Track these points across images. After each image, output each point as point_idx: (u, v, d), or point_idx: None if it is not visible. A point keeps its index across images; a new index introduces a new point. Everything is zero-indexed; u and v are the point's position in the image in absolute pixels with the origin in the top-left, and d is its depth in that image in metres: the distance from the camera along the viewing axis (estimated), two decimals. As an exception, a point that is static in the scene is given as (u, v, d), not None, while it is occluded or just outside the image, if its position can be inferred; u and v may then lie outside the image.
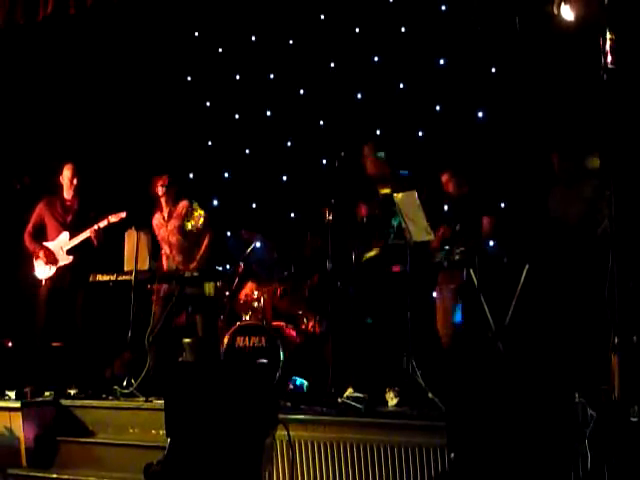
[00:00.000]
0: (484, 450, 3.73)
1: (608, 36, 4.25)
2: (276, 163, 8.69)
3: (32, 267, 6.86)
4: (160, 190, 6.76)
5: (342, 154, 6.28)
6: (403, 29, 8.12)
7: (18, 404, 5.96)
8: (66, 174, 6.92)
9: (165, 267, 6.86)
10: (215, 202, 8.82)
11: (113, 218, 6.74)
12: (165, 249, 6.89)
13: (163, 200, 6.84)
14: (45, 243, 6.83)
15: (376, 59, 8.31)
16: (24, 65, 8.31)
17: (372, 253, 6.30)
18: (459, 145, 7.35)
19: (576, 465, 3.92)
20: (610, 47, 4.28)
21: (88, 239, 6.73)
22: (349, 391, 5.57)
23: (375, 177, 6.56)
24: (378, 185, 6.47)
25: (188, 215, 6.60)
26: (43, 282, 6.78)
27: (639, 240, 4.77)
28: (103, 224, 6.72)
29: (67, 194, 6.94)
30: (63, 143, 8.35)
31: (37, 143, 8.25)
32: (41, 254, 6.77)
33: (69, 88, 8.54)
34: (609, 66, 4.24)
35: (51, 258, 6.75)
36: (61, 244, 6.78)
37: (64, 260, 6.76)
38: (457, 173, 6.40)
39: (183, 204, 6.79)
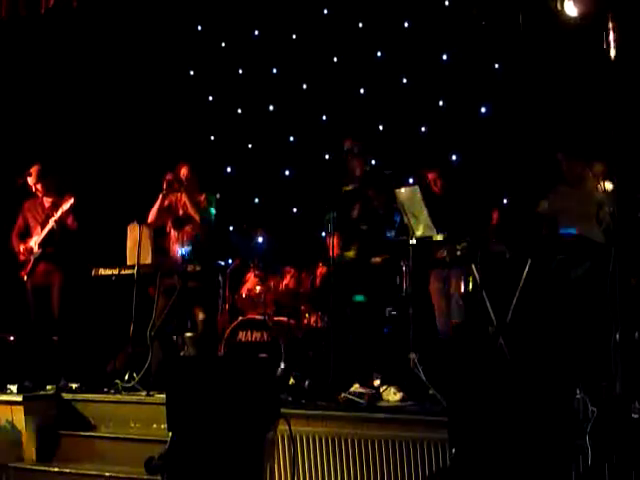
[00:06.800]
0: (485, 445, 3.73)
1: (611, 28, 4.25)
2: (279, 158, 8.70)
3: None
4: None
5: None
6: (406, 24, 8.12)
7: (20, 398, 5.95)
8: (30, 180, 6.95)
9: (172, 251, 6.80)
10: (217, 197, 8.80)
11: (65, 206, 6.73)
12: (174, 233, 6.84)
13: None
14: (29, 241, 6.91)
15: (379, 54, 8.31)
16: (26, 57, 8.30)
17: (350, 253, 6.23)
18: (462, 140, 7.35)
19: (577, 461, 3.93)
20: (614, 40, 4.28)
21: (64, 231, 6.77)
22: (355, 386, 5.57)
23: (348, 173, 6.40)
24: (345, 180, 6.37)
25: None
26: (25, 278, 6.85)
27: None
28: (59, 214, 6.72)
29: (39, 194, 6.97)
30: (64, 136, 8.36)
31: (39, 137, 8.24)
32: (21, 250, 6.89)
33: (71, 81, 8.54)
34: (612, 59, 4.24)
35: (27, 255, 6.84)
36: (36, 240, 6.84)
37: (36, 254, 6.81)
38: (443, 174, 6.37)
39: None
